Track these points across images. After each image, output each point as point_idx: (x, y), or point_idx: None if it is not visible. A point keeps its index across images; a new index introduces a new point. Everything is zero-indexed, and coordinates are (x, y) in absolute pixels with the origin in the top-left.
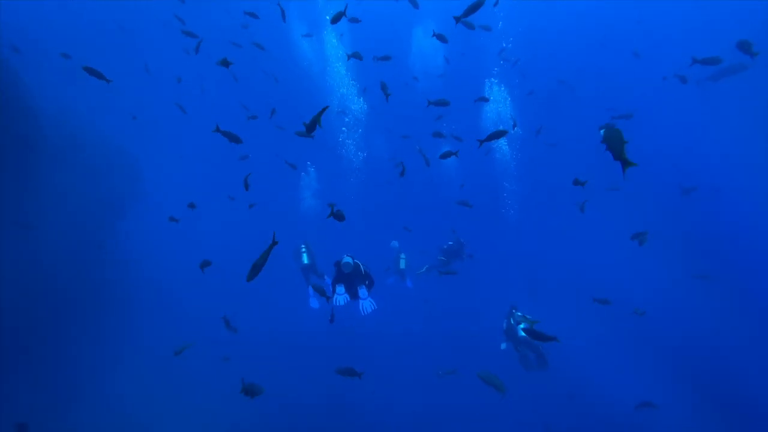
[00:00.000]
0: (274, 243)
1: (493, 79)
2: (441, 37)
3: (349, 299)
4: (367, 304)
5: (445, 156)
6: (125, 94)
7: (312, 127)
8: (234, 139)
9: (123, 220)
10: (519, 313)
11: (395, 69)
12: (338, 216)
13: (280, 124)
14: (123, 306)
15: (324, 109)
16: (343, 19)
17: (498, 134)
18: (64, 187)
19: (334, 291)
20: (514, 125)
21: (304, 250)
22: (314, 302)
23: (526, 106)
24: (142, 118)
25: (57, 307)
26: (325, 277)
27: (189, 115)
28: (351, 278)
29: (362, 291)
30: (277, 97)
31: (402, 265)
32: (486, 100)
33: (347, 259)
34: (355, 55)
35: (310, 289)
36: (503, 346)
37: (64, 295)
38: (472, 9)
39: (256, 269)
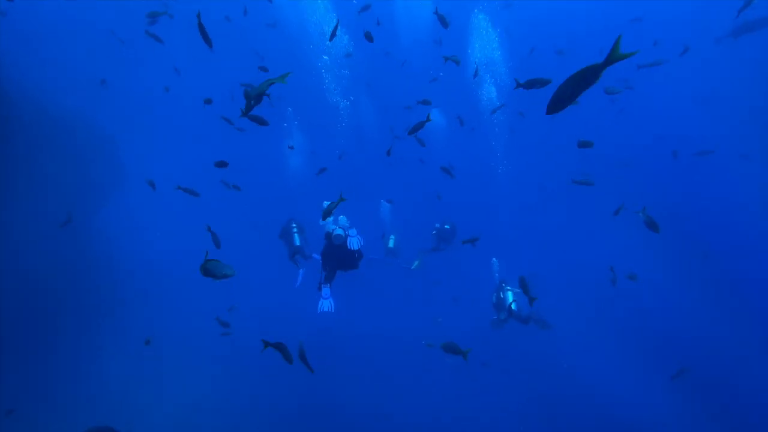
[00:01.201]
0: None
1: (480, 15)
2: (442, 19)
3: (333, 305)
4: (326, 304)
5: (415, 130)
6: (98, 70)
7: (255, 99)
8: (261, 122)
9: (104, 206)
10: (508, 287)
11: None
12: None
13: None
14: (108, 292)
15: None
16: None
17: (540, 82)
18: (41, 173)
19: (326, 264)
20: (476, 73)
21: (295, 229)
22: (300, 282)
23: (525, 67)
24: (122, 101)
25: (40, 295)
26: (313, 255)
27: (170, 94)
28: (341, 250)
29: (325, 290)
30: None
31: (390, 244)
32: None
33: (339, 231)
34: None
35: (301, 272)
36: (494, 316)
37: (46, 283)
38: None
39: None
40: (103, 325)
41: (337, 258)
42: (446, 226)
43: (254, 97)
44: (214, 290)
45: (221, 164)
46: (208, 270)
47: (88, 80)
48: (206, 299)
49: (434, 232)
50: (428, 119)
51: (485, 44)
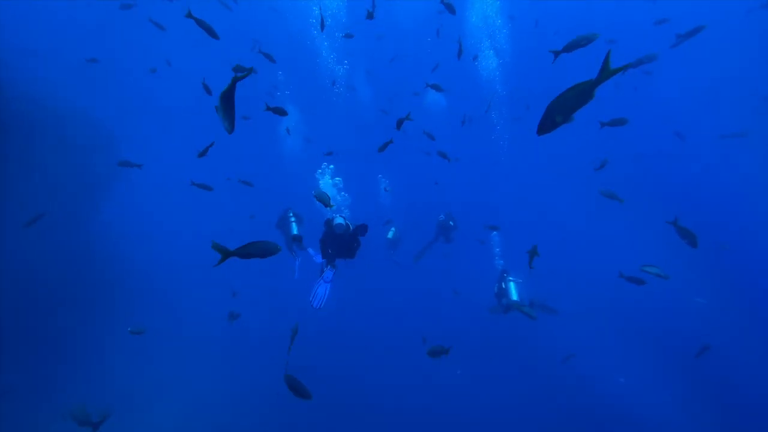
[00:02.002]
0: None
1: None
2: (450, 7)
3: (327, 296)
4: (320, 291)
5: (399, 125)
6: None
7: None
8: (281, 112)
9: (105, 199)
10: (510, 278)
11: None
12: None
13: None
14: (110, 286)
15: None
16: None
17: (585, 39)
18: (40, 167)
19: (324, 250)
20: (488, 109)
21: (293, 219)
22: (298, 274)
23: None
24: (120, 93)
25: (41, 290)
26: (309, 249)
27: (169, 85)
28: (340, 239)
29: (328, 273)
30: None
31: (389, 235)
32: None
33: (339, 219)
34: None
35: (297, 262)
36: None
37: (48, 277)
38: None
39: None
40: (105, 319)
41: (336, 246)
42: (450, 222)
43: (222, 100)
44: (215, 282)
45: (204, 153)
46: (256, 251)
47: (86, 74)
48: (208, 290)
49: (441, 218)
50: (408, 117)
51: (486, 18)
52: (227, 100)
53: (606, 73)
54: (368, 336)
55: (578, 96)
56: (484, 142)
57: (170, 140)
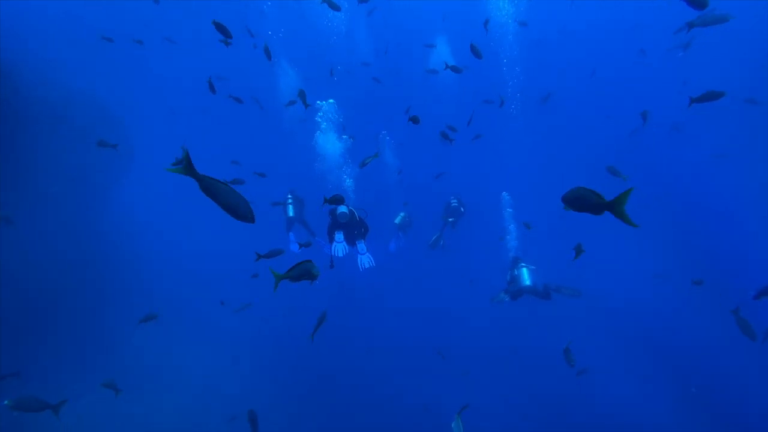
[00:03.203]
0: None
1: None
2: None
3: (347, 249)
4: (365, 259)
5: (415, 120)
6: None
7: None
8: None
9: (114, 190)
10: (523, 264)
11: None
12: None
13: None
14: (119, 276)
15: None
16: None
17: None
18: (49, 154)
19: (332, 238)
20: (502, 103)
21: (290, 201)
22: (294, 246)
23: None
24: (129, 81)
25: (49, 279)
26: (318, 239)
27: (176, 73)
28: (346, 227)
29: (360, 245)
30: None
31: (397, 220)
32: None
33: (342, 208)
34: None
35: (291, 235)
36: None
37: (56, 266)
38: None
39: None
40: (113, 308)
41: (345, 235)
42: (462, 209)
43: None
44: (227, 271)
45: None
46: (302, 274)
47: (97, 60)
48: (219, 278)
49: (453, 204)
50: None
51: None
52: (228, 194)
53: (616, 209)
54: (374, 332)
55: (590, 205)
56: (497, 126)
57: (180, 127)
